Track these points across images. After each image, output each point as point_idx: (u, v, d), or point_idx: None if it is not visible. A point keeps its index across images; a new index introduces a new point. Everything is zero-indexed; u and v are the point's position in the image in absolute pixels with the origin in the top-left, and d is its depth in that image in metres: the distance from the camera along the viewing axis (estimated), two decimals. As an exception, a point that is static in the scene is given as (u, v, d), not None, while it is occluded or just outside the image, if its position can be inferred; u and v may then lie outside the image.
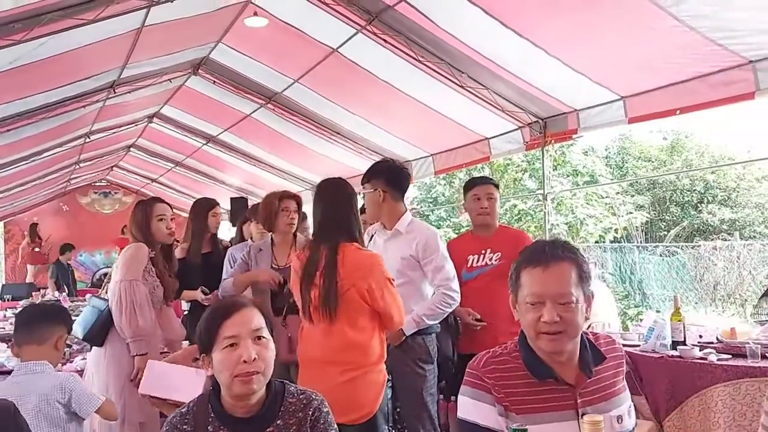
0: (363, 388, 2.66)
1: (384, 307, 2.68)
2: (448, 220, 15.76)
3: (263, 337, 1.72)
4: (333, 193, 2.81)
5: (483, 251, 3.59)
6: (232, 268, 4.07)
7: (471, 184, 3.74)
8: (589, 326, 3.69)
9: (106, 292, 3.56)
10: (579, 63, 4.26)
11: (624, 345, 3.66)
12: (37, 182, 9.54)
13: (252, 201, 8.49)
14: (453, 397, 4.05)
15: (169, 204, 3.58)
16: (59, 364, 2.96)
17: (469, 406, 1.65)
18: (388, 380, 2.81)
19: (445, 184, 16.53)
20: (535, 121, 5.28)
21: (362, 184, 3.26)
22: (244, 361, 1.65)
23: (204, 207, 4.49)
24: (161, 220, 3.41)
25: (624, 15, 3.70)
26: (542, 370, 1.63)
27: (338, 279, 2.63)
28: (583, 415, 1.59)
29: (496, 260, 3.55)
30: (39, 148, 7.04)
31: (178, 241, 4.01)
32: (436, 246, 3.24)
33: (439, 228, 15.81)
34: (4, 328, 5.34)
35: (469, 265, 3.61)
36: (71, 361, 3.85)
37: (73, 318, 4.84)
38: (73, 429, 2.48)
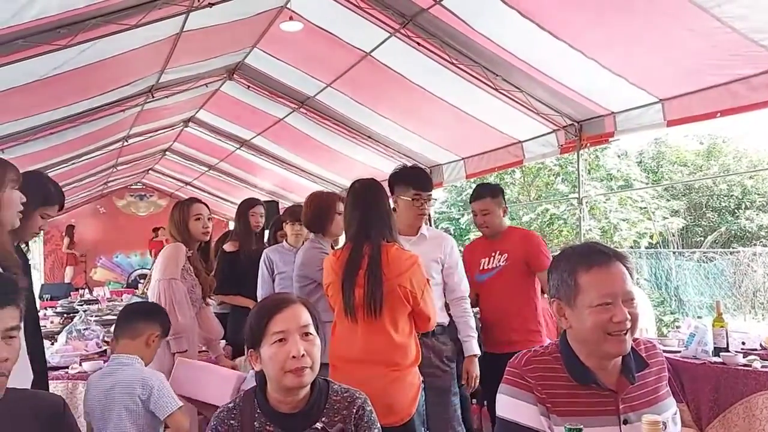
0: (401, 391, 2.66)
1: (423, 308, 2.71)
2: (479, 224, 15.64)
3: (310, 334, 1.74)
4: (374, 194, 2.82)
5: (492, 254, 3.69)
6: (267, 270, 4.11)
7: (471, 198, 3.84)
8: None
9: (143, 292, 3.62)
10: (617, 65, 4.20)
11: (664, 351, 3.61)
12: (76, 185, 9.76)
13: (283, 204, 8.56)
14: (485, 401, 4.04)
15: (206, 204, 3.64)
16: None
17: (510, 405, 1.63)
18: (423, 382, 2.82)
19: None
20: (570, 124, 5.22)
21: (424, 190, 3.24)
22: (293, 357, 1.67)
23: (245, 206, 4.65)
24: (198, 219, 3.46)
25: (664, 16, 3.64)
26: (584, 374, 1.61)
27: (383, 278, 2.64)
28: (625, 421, 1.58)
29: (503, 261, 3.64)
30: (79, 151, 7.22)
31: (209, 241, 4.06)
32: (458, 253, 3.34)
33: (468, 232, 15.74)
34: (45, 326, 5.45)
35: (481, 267, 3.70)
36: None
37: (112, 318, 4.97)
38: (151, 427, 2.49)
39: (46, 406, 1.57)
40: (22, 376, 2.09)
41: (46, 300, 8.45)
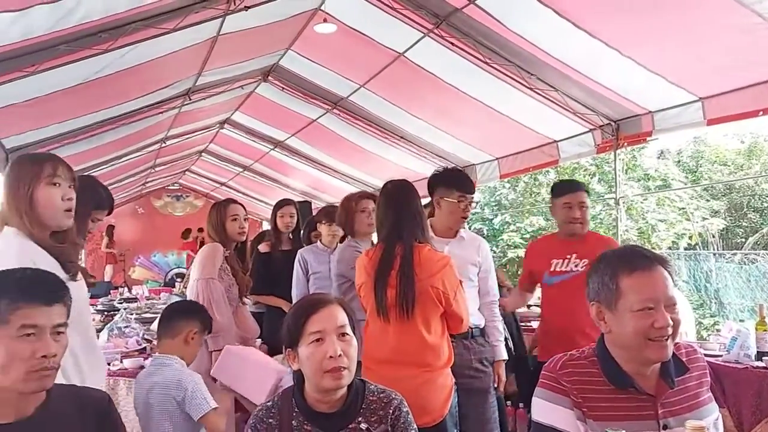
0: (433, 392, 2.67)
1: (455, 309, 2.71)
2: (513, 224, 15.51)
3: (347, 334, 1.76)
4: (406, 195, 2.84)
5: (568, 256, 3.47)
6: (302, 270, 4.15)
7: (561, 190, 3.57)
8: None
9: (181, 291, 3.69)
10: (654, 63, 4.13)
11: (704, 355, 3.53)
12: (116, 185, 9.99)
13: (316, 205, 8.62)
14: (521, 404, 4.01)
15: (242, 205, 3.70)
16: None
17: (545, 409, 1.62)
18: (457, 384, 2.82)
19: (509, 188, 16.31)
20: (606, 123, 5.14)
21: (469, 192, 3.20)
22: (330, 357, 1.69)
23: (274, 207, 4.71)
24: (234, 219, 3.52)
25: (703, 13, 3.57)
26: (623, 379, 1.59)
27: (415, 279, 2.65)
28: (664, 426, 1.56)
29: (582, 267, 3.39)
30: (119, 152, 7.39)
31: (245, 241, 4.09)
32: (491, 256, 3.35)
33: (502, 233, 15.60)
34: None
35: (552, 269, 3.50)
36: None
37: (151, 316, 5.08)
38: (188, 427, 2.51)
39: (91, 401, 1.62)
40: (99, 369, 2.16)
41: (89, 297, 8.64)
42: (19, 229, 2.00)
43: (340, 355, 1.70)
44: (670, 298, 1.57)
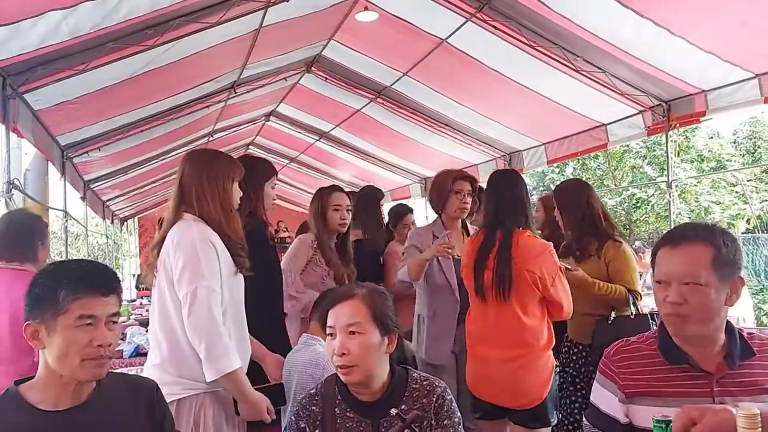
0: (531, 373, 2.73)
1: (554, 295, 2.76)
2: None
3: (356, 332, 1.75)
4: (508, 183, 2.94)
5: None
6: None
7: None
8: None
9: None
10: (707, 42, 3.97)
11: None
12: (166, 179, 10.23)
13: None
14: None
15: (348, 194, 3.61)
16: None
17: (596, 391, 1.72)
18: (557, 366, 2.89)
19: (558, 173, 16.01)
20: (657, 105, 4.98)
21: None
22: (335, 355, 1.75)
23: (376, 196, 4.39)
24: (337, 210, 3.46)
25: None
26: (677, 354, 1.60)
27: (512, 262, 2.74)
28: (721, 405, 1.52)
29: None
30: (168, 147, 7.54)
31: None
32: None
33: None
34: (141, 314, 5.77)
35: None
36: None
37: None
38: None
39: (142, 387, 1.68)
40: (246, 354, 2.31)
41: (142, 289, 8.92)
42: (204, 219, 2.26)
43: (343, 354, 1.72)
44: (689, 275, 1.53)
